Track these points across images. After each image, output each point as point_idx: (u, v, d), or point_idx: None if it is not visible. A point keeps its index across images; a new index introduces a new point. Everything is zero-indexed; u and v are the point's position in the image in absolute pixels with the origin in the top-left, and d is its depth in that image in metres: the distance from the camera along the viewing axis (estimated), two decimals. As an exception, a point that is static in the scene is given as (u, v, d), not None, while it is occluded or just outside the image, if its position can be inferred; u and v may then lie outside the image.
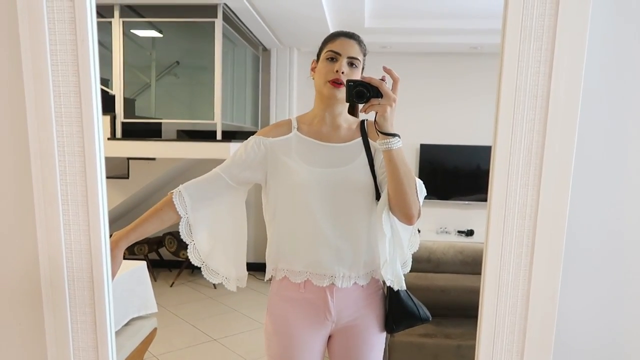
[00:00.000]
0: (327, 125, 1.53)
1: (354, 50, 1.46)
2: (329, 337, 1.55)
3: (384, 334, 1.59)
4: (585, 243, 0.76)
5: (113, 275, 1.32)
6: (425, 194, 1.46)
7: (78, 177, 0.70)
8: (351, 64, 1.45)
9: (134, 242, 1.43)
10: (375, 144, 1.47)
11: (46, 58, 0.68)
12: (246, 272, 1.64)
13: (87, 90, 0.68)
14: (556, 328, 0.69)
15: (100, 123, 0.72)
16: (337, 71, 1.42)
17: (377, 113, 1.29)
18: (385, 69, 1.31)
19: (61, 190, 0.71)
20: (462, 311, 2.64)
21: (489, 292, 0.68)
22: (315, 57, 1.54)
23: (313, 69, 1.54)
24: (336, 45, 1.45)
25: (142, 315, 2.78)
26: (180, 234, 1.52)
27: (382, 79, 1.29)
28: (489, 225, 0.70)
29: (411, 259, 1.57)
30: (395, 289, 1.49)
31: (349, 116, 1.58)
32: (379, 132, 1.31)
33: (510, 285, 0.68)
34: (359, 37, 1.50)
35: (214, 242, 1.57)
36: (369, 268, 1.50)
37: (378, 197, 1.48)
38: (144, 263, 2.83)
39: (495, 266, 0.69)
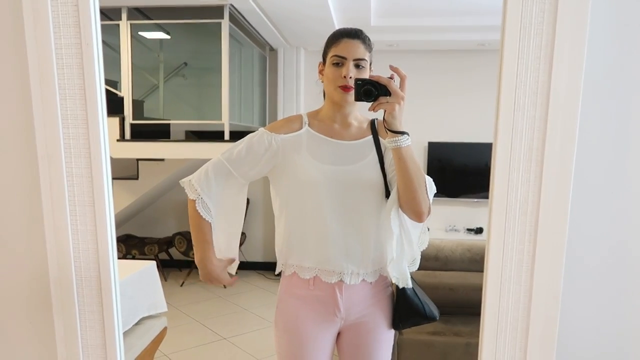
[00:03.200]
0: (338, 123, 1.53)
1: (359, 51, 1.45)
2: (338, 334, 1.56)
3: (392, 331, 1.60)
4: (587, 239, 0.76)
5: (226, 282, 1.62)
6: (435, 192, 1.46)
7: (85, 179, 0.72)
8: (357, 65, 1.44)
9: (212, 250, 1.55)
10: (384, 142, 1.48)
11: (52, 61, 0.69)
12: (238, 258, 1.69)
13: (92, 93, 0.69)
14: (559, 325, 0.69)
15: (105, 124, 0.73)
16: (344, 77, 1.42)
17: (385, 111, 1.30)
18: (392, 68, 1.31)
19: (68, 191, 0.73)
20: (470, 309, 2.63)
21: (491, 289, 0.68)
22: (322, 59, 1.54)
23: (321, 72, 1.54)
24: (340, 48, 1.44)
25: (152, 315, 2.81)
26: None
27: (391, 77, 1.30)
28: (491, 221, 0.70)
29: (420, 257, 1.57)
30: (401, 286, 1.50)
31: (359, 115, 1.58)
32: (387, 130, 1.32)
33: (513, 282, 0.68)
34: (362, 34, 1.48)
35: (223, 235, 1.60)
36: (377, 265, 1.51)
37: (388, 195, 1.48)
38: (153, 263, 2.86)
39: (498, 263, 0.69)
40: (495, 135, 0.70)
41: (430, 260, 2.63)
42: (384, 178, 1.48)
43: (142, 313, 2.69)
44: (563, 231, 0.67)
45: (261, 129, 1.52)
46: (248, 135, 1.52)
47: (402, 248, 1.48)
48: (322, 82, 1.54)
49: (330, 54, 1.46)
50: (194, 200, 1.48)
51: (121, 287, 2.47)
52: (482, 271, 2.51)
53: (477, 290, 2.46)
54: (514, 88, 0.67)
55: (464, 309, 2.63)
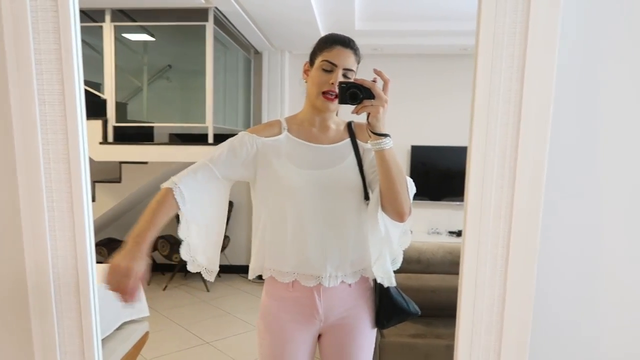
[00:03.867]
0: (316, 127, 1.55)
1: (350, 61, 1.46)
2: (319, 335, 1.58)
3: (374, 332, 1.62)
4: (559, 243, 0.79)
5: (140, 277, 1.19)
6: (415, 192, 1.48)
7: (63, 185, 0.71)
8: (345, 75, 1.46)
9: (154, 237, 1.33)
10: (364, 145, 1.51)
11: (31, 67, 0.69)
12: (218, 265, 1.61)
13: (72, 98, 0.69)
14: (532, 328, 0.70)
15: (84, 131, 0.73)
16: (332, 83, 1.43)
17: (369, 114, 1.32)
18: (375, 71, 1.33)
19: (47, 197, 0.72)
20: (451, 311, 2.65)
21: (466, 293, 0.70)
22: (309, 60, 1.54)
23: (306, 72, 1.54)
24: (333, 55, 1.45)
25: (134, 319, 2.78)
26: (179, 230, 1.49)
27: (374, 81, 1.32)
28: (466, 226, 0.72)
29: (401, 256, 1.59)
30: (386, 285, 1.52)
31: (337, 117, 1.60)
32: (371, 133, 1.33)
33: (487, 286, 0.70)
34: (355, 44, 1.50)
35: (202, 236, 1.55)
36: (357, 267, 1.53)
37: (366, 197, 1.51)
38: (135, 267, 2.83)
39: (472, 266, 0.70)
40: (470, 141, 0.71)
41: (412, 263, 2.65)
42: (362, 180, 1.50)
43: (124, 318, 2.67)
44: (535, 235, 0.69)
45: (242, 132, 1.53)
46: (230, 138, 1.54)
47: (384, 248, 1.50)
48: (306, 82, 1.54)
49: (320, 58, 1.47)
50: (169, 189, 1.42)
51: (102, 292, 2.46)
52: (463, 274, 2.54)
53: (458, 292, 2.49)
54: (487, 96, 0.69)
55: (445, 311, 2.65)
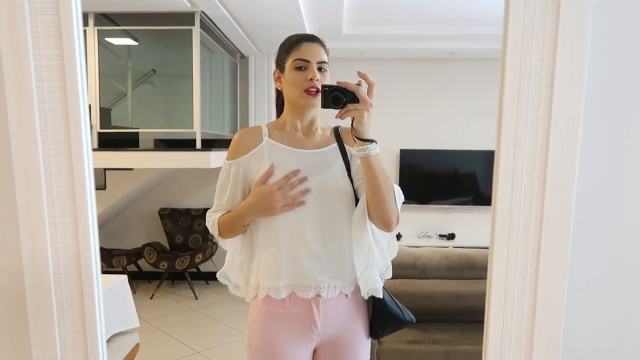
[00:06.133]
0: (301, 131, 1.49)
1: (321, 54, 1.42)
2: (315, 350, 1.51)
3: (369, 342, 1.57)
4: (590, 253, 0.76)
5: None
6: (404, 200, 1.45)
7: (66, 199, 0.66)
8: (320, 69, 1.41)
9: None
10: (351, 150, 1.45)
11: (30, 74, 0.64)
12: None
13: (75, 107, 0.64)
14: (563, 343, 0.68)
15: (89, 140, 0.68)
16: (311, 79, 1.38)
17: (353, 119, 1.27)
18: (360, 74, 1.28)
19: (48, 212, 0.67)
20: (449, 316, 2.64)
21: (495, 306, 0.67)
22: (276, 67, 1.50)
23: (278, 79, 1.49)
24: (302, 52, 1.41)
25: (123, 331, 2.71)
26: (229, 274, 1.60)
27: (358, 84, 1.27)
28: (494, 237, 0.68)
29: (391, 265, 1.55)
30: (366, 297, 1.48)
31: (322, 122, 1.54)
32: (356, 138, 1.29)
33: (517, 298, 0.67)
34: (320, 39, 1.46)
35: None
36: (353, 276, 1.47)
37: (357, 202, 1.45)
38: (124, 277, 2.76)
39: (501, 279, 0.67)
40: (497, 150, 0.69)
41: (408, 269, 2.62)
42: (353, 186, 1.45)
43: (114, 329, 2.60)
44: (566, 246, 0.67)
45: (224, 163, 1.49)
46: (218, 179, 1.51)
47: (373, 257, 1.46)
48: (281, 89, 1.49)
49: (290, 59, 1.42)
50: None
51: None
52: (459, 279, 2.53)
53: (455, 297, 2.49)
54: (516, 102, 0.66)
55: (442, 316, 2.64)
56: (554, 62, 0.64)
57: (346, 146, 1.48)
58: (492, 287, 0.66)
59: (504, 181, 0.67)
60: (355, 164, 1.45)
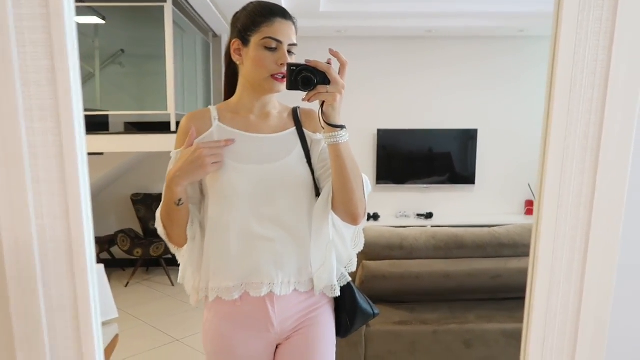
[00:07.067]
0: (255, 114, 1.34)
1: (293, 35, 1.28)
2: (277, 346, 1.40)
3: (334, 338, 1.44)
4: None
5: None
6: (370, 191, 1.34)
7: (56, 185, 0.56)
8: (290, 52, 1.27)
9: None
10: (312, 135, 1.35)
11: (10, 37, 0.54)
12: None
13: (65, 76, 0.54)
14: (609, 329, 0.63)
15: (81, 114, 0.58)
16: (282, 64, 1.24)
17: (323, 102, 1.14)
18: (331, 52, 1.15)
19: (34, 203, 0.57)
20: (436, 296, 2.63)
21: (540, 289, 0.61)
22: (237, 36, 1.30)
23: (238, 51, 1.30)
24: (275, 30, 1.24)
25: (102, 322, 2.60)
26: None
27: (328, 63, 1.13)
28: (541, 216, 0.62)
29: (356, 259, 1.45)
30: (317, 293, 1.37)
31: (278, 103, 1.40)
32: (325, 124, 1.16)
33: (562, 282, 0.62)
34: (292, 16, 1.31)
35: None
36: (310, 271, 1.35)
37: (317, 193, 1.34)
38: (101, 266, 2.64)
39: (548, 261, 0.62)
40: (546, 120, 0.62)
41: (395, 250, 2.59)
42: (312, 175, 1.33)
43: (92, 321, 2.49)
44: (617, 227, 0.62)
45: (171, 153, 1.33)
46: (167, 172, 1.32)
47: (331, 252, 1.36)
48: (240, 64, 1.31)
49: (259, 35, 1.25)
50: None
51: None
52: (446, 258, 2.50)
53: (443, 277, 2.47)
54: (570, 67, 0.60)
55: (430, 296, 2.62)
56: (614, 21, 0.58)
57: (305, 131, 1.35)
58: (538, 268, 0.60)
59: (555, 154, 0.60)
60: (317, 151, 1.33)
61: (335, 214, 1.31)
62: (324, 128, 1.18)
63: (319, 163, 1.32)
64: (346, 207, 1.27)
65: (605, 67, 0.59)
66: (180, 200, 1.25)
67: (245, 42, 1.27)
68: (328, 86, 1.12)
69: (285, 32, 1.25)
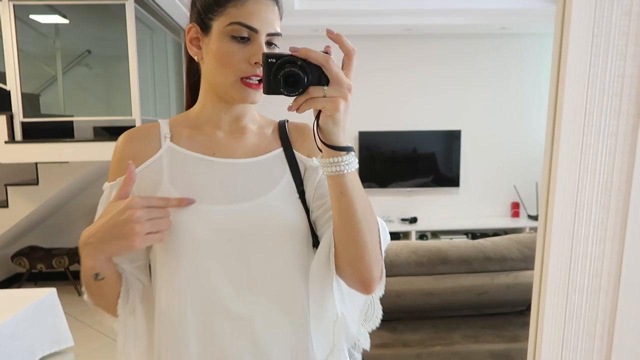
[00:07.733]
0: (224, 130, 0.95)
1: (275, 20, 0.88)
2: None
3: None
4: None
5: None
6: (389, 242, 0.92)
7: None
8: (270, 43, 0.88)
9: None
10: (306, 160, 0.96)
11: None
12: None
13: None
14: None
15: None
16: (256, 63, 0.85)
17: (319, 112, 0.74)
18: (331, 36, 0.75)
19: None
20: (418, 314, 2.45)
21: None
22: (195, 20, 0.90)
23: (194, 41, 0.91)
24: (247, 12, 0.84)
25: (55, 352, 2.37)
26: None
27: (326, 52, 0.74)
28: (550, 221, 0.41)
29: (367, 336, 0.98)
30: None
31: (259, 115, 1.01)
32: (322, 145, 0.77)
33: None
34: None
35: None
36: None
37: (315, 244, 0.93)
38: (53, 290, 2.41)
39: (562, 271, 0.41)
40: (548, 174, 0.42)
41: (374, 266, 2.40)
42: (308, 217, 0.92)
43: (42, 352, 2.27)
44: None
45: (104, 186, 0.94)
46: (97, 211, 0.93)
47: (341, 333, 0.94)
48: (199, 61, 0.92)
49: (225, 18, 0.85)
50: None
51: (8, 327, 2.04)
52: (429, 274, 2.32)
53: (426, 294, 2.28)
54: (583, 87, 0.40)
55: (412, 314, 2.44)
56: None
57: (297, 154, 0.96)
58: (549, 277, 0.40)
59: (570, 128, 0.39)
60: (313, 180, 0.93)
61: (339, 275, 0.87)
62: (321, 151, 0.79)
63: (315, 201, 0.92)
64: (354, 269, 0.83)
65: (637, 85, 0.39)
66: (97, 274, 0.84)
67: (205, 28, 0.88)
68: (326, 87, 0.73)
69: (262, 16, 0.85)
